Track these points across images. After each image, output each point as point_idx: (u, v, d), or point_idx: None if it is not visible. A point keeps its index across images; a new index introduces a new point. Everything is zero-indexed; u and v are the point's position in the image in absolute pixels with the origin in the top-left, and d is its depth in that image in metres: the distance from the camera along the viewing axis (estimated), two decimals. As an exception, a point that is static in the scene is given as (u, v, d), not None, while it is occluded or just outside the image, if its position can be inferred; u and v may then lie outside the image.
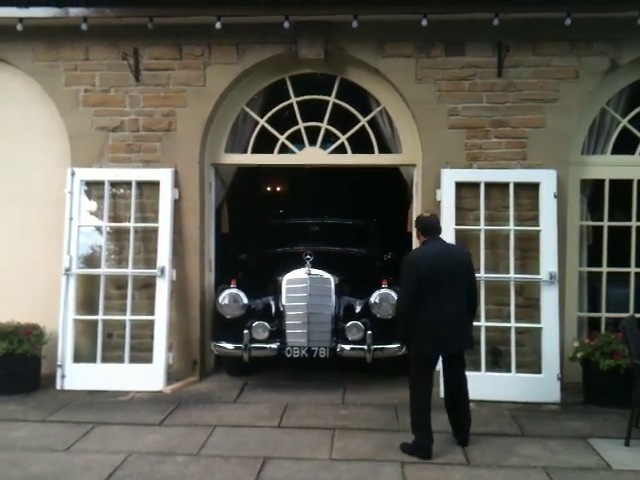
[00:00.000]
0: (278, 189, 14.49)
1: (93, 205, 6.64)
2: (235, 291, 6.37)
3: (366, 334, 6.12)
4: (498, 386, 5.98)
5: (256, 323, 6.22)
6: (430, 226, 4.87)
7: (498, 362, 6.26)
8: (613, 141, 6.52)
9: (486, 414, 5.65)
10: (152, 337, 6.33)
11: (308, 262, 6.26)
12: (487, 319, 6.15)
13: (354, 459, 4.66)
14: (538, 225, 6.18)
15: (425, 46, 6.34)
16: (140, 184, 6.57)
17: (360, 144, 6.82)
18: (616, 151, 6.52)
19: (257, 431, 5.21)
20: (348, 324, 6.22)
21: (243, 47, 6.47)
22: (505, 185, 6.26)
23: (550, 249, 6.12)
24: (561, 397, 5.93)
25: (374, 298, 6.30)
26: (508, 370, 6.08)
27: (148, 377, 6.24)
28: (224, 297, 6.37)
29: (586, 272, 6.65)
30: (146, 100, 6.56)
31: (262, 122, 6.84)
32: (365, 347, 6.09)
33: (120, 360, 6.37)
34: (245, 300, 6.35)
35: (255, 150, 6.89)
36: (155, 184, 6.52)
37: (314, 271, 6.28)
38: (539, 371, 6.03)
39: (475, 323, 6.05)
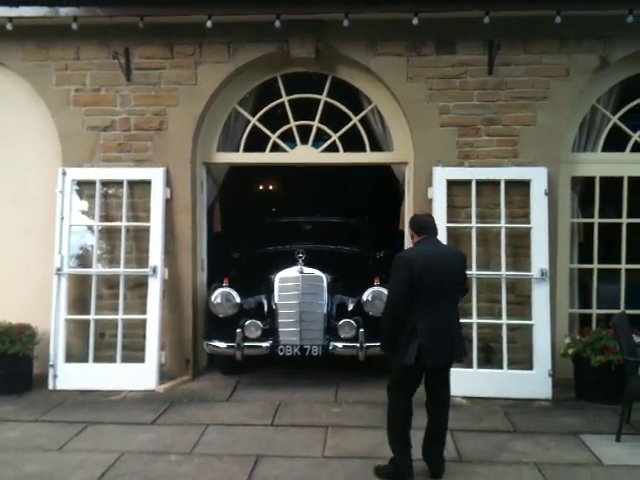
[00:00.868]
0: (270, 188, 14.47)
1: (84, 205, 6.62)
2: (227, 290, 6.37)
3: (358, 332, 6.13)
4: (490, 383, 6.01)
5: (248, 322, 6.23)
6: (425, 225, 4.49)
7: (490, 359, 6.28)
8: (603, 138, 6.55)
9: (478, 411, 5.68)
10: (144, 336, 6.33)
11: (300, 260, 6.27)
12: (479, 316, 6.17)
13: (347, 456, 4.68)
14: (529, 222, 6.21)
15: (416, 44, 6.36)
16: (131, 183, 6.55)
17: (352, 142, 6.83)
18: (606, 148, 6.56)
19: (250, 429, 5.22)
20: (341, 322, 6.24)
21: (234, 46, 6.46)
22: (496, 183, 6.28)
23: (541, 246, 6.15)
24: (553, 393, 5.95)
25: (366, 296, 6.32)
26: (500, 367, 6.11)
27: (141, 376, 6.24)
28: (216, 296, 6.37)
29: (577, 269, 6.68)
30: (137, 99, 6.55)
31: (254, 121, 6.84)
32: (358, 345, 6.11)
33: (112, 360, 6.36)
34: (237, 299, 6.35)
35: (247, 149, 6.89)
36: (147, 183, 6.51)
37: (306, 269, 6.29)
38: (531, 367, 6.06)
39: (467, 320, 6.13)
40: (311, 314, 6.23)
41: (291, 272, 6.30)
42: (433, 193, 6.28)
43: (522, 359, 6.21)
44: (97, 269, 6.51)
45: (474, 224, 6.26)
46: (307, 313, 6.21)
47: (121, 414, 5.58)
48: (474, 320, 6.14)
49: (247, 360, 6.32)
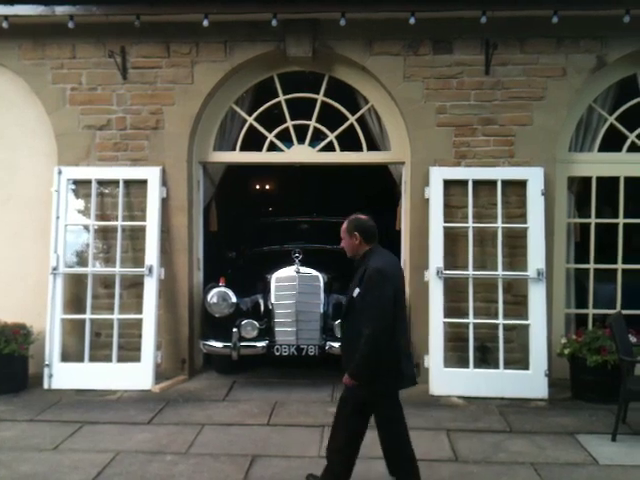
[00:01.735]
0: (267, 187, 14.47)
1: (80, 204, 6.61)
2: (224, 289, 6.36)
3: (355, 332, 6.12)
4: (486, 382, 6.01)
5: (245, 321, 6.22)
6: (375, 232, 4.00)
7: (486, 359, 6.29)
8: (600, 138, 6.55)
9: (474, 410, 5.68)
10: (140, 336, 6.31)
11: (297, 260, 6.27)
12: (475, 316, 6.17)
13: (343, 456, 4.66)
14: (526, 222, 6.21)
15: (413, 44, 6.35)
16: (128, 183, 6.54)
17: (349, 142, 6.83)
18: (603, 148, 6.56)
19: (246, 429, 5.21)
20: (337, 322, 6.22)
21: (231, 45, 6.45)
22: (493, 183, 6.28)
23: (538, 246, 6.15)
24: (549, 393, 5.95)
25: (362, 296, 6.31)
26: (496, 366, 6.11)
27: (136, 376, 6.22)
28: (213, 295, 6.36)
29: (573, 269, 6.69)
30: (133, 98, 6.54)
31: (250, 120, 6.82)
32: (354, 345, 6.10)
33: (108, 359, 6.35)
34: (234, 298, 6.34)
35: (243, 148, 6.88)
36: (143, 183, 6.50)
37: (303, 269, 6.28)
38: (527, 367, 6.06)
39: (463, 320, 6.15)
40: (307, 314, 6.22)
41: (288, 272, 6.30)
42: (430, 193, 6.28)
43: (518, 359, 6.22)
44: (93, 268, 6.49)
45: (471, 224, 6.25)
46: (303, 313, 6.20)
47: (117, 414, 5.57)
48: (471, 320, 6.14)
49: (243, 360, 6.31)
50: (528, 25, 6.21)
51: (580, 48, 6.27)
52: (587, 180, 6.54)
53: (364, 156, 6.85)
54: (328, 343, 6.16)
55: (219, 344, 6.25)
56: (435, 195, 6.26)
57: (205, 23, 6.00)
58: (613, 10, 5.92)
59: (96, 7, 6.09)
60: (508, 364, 6.12)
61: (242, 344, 6.16)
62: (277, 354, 6.14)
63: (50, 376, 6.26)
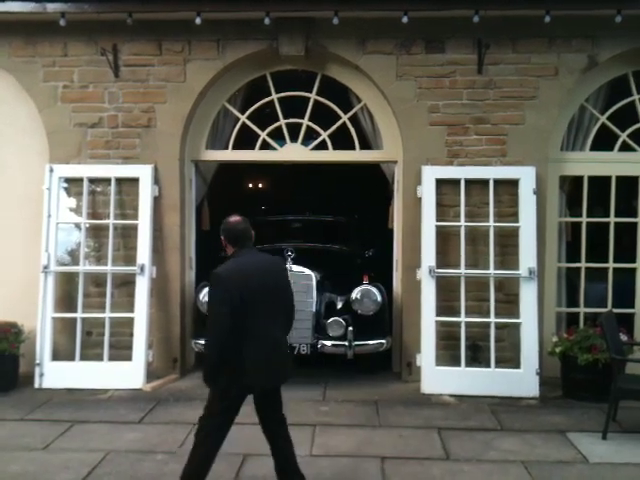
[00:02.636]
0: (260, 186, 14.45)
1: (72, 202, 6.58)
2: (216, 288, 6.33)
3: (347, 330, 6.14)
4: (477, 381, 6.02)
5: (237, 320, 6.20)
6: (242, 234, 3.85)
7: (477, 357, 6.30)
8: (592, 138, 6.57)
9: (465, 409, 5.69)
10: (132, 335, 6.30)
11: (289, 259, 6.26)
12: (467, 315, 6.18)
13: (335, 455, 4.68)
14: (517, 221, 6.23)
15: (406, 43, 6.36)
16: (119, 181, 6.52)
17: (341, 141, 6.82)
18: (595, 148, 6.58)
19: (237, 428, 5.13)
20: (329, 320, 6.25)
21: (224, 43, 6.44)
22: (485, 182, 6.29)
23: (529, 245, 6.16)
24: (540, 391, 5.97)
25: (355, 294, 6.33)
26: (487, 365, 6.13)
27: (128, 375, 6.20)
28: (204, 294, 6.34)
29: (565, 268, 6.71)
30: (125, 96, 6.51)
31: (243, 118, 6.81)
32: (346, 343, 6.11)
33: (99, 358, 6.33)
34: (226, 297, 6.31)
35: (236, 147, 6.87)
36: (134, 181, 6.48)
37: (295, 267, 6.27)
38: (518, 366, 6.08)
39: (455, 319, 6.16)
40: (300, 312, 6.12)
41: (280, 270, 6.28)
42: (422, 192, 6.29)
43: (510, 357, 6.23)
44: (84, 267, 6.46)
45: (463, 223, 6.26)
46: (296, 311, 6.16)
47: (108, 413, 5.55)
48: (462, 319, 6.16)
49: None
50: (520, 25, 6.22)
51: (572, 48, 6.28)
52: (579, 179, 6.56)
53: (357, 155, 6.85)
54: (320, 342, 6.17)
55: (211, 343, 6.23)
56: (427, 194, 6.26)
57: (198, 21, 5.98)
58: (605, 10, 5.94)
59: (88, 4, 6.06)
60: (499, 363, 6.13)
61: (234, 343, 6.14)
62: (269, 353, 6.12)
63: (41, 375, 6.24)
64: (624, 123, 6.52)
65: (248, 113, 6.81)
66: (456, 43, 6.33)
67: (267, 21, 6.03)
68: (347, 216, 8.80)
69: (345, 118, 6.74)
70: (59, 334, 6.47)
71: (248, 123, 6.82)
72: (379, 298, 6.33)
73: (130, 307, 6.35)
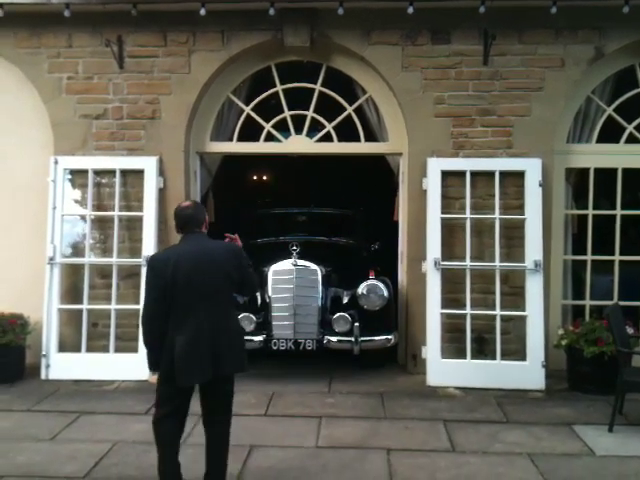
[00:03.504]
0: (265, 178, 14.43)
1: (77, 194, 6.58)
2: (220, 281, 6.32)
3: (353, 326, 6.11)
4: (483, 373, 6.01)
5: (242, 315, 6.15)
6: (187, 220, 3.77)
7: (483, 350, 6.30)
8: (598, 130, 6.54)
9: (471, 401, 5.69)
10: (137, 326, 6.24)
11: (294, 253, 6.23)
12: (472, 307, 6.17)
13: (340, 446, 4.68)
14: (523, 213, 6.20)
15: (411, 34, 6.32)
16: (124, 172, 6.51)
17: (346, 132, 6.80)
18: (601, 140, 6.54)
19: (243, 420, 5.20)
20: (335, 316, 6.19)
21: (228, 34, 6.41)
22: (491, 174, 6.27)
23: (535, 237, 6.14)
24: (546, 384, 5.96)
25: (361, 289, 6.29)
26: (493, 358, 6.12)
27: (134, 366, 6.19)
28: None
29: (571, 260, 6.69)
30: (130, 88, 6.49)
31: (247, 110, 6.79)
32: (352, 339, 6.08)
33: (105, 349, 6.34)
34: (230, 291, 6.30)
35: (241, 138, 6.85)
36: (139, 172, 6.47)
37: (300, 262, 6.25)
38: (524, 358, 6.07)
39: (460, 311, 6.14)
40: (305, 307, 6.19)
41: (285, 265, 6.26)
42: (427, 184, 6.27)
43: (515, 350, 6.22)
44: (90, 259, 6.47)
45: (468, 215, 6.24)
46: (301, 307, 6.17)
47: (114, 404, 5.57)
48: (468, 311, 6.15)
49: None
50: (527, 15, 6.17)
51: (578, 39, 6.24)
52: (585, 171, 6.53)
53: (362, 147, 6.83)
54: (326, 337, 6.13)
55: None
56: (433, 186, 6.24)
57: (202, 12, 5.96)
58: (612, 1, 5.90)
59: (92, -5, 6.05)
60: (505, 355, 6.13)
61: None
62: (274, 348, 6.10)
63: (47, 366, 6.26)
64: (631, 115, 6.48)
65: (253, 105, 6.80)
66: (462, 34, 6.29)
67: (272, 12, 6.01)
68: (353, 209, 8.75)
69: (350, 110, 6.72)
70: (65, 326, 6.48)
71: (253, 115, 6.80)
72: (385, 293, 6.29)
73: (135, 299, 6.35)
